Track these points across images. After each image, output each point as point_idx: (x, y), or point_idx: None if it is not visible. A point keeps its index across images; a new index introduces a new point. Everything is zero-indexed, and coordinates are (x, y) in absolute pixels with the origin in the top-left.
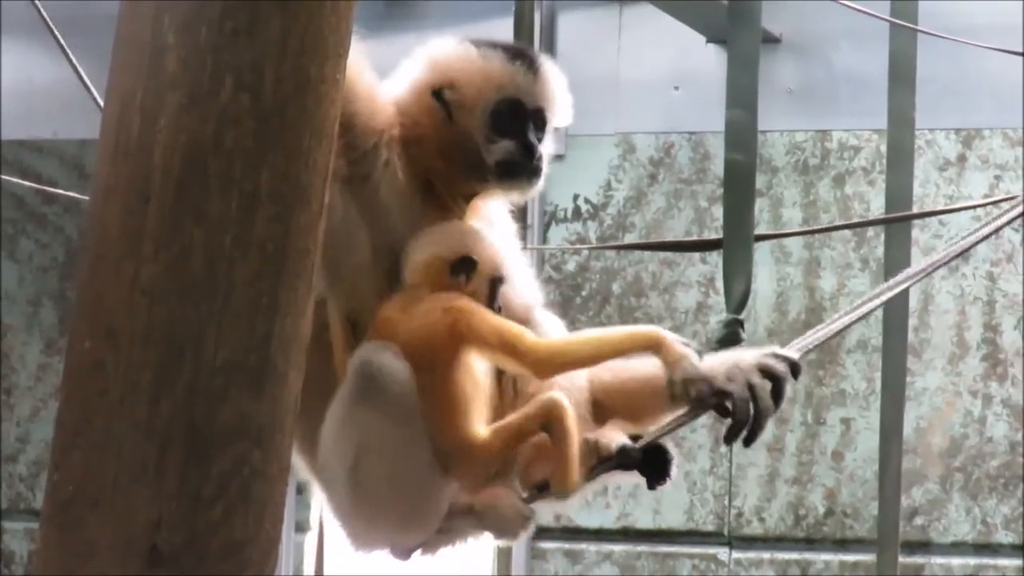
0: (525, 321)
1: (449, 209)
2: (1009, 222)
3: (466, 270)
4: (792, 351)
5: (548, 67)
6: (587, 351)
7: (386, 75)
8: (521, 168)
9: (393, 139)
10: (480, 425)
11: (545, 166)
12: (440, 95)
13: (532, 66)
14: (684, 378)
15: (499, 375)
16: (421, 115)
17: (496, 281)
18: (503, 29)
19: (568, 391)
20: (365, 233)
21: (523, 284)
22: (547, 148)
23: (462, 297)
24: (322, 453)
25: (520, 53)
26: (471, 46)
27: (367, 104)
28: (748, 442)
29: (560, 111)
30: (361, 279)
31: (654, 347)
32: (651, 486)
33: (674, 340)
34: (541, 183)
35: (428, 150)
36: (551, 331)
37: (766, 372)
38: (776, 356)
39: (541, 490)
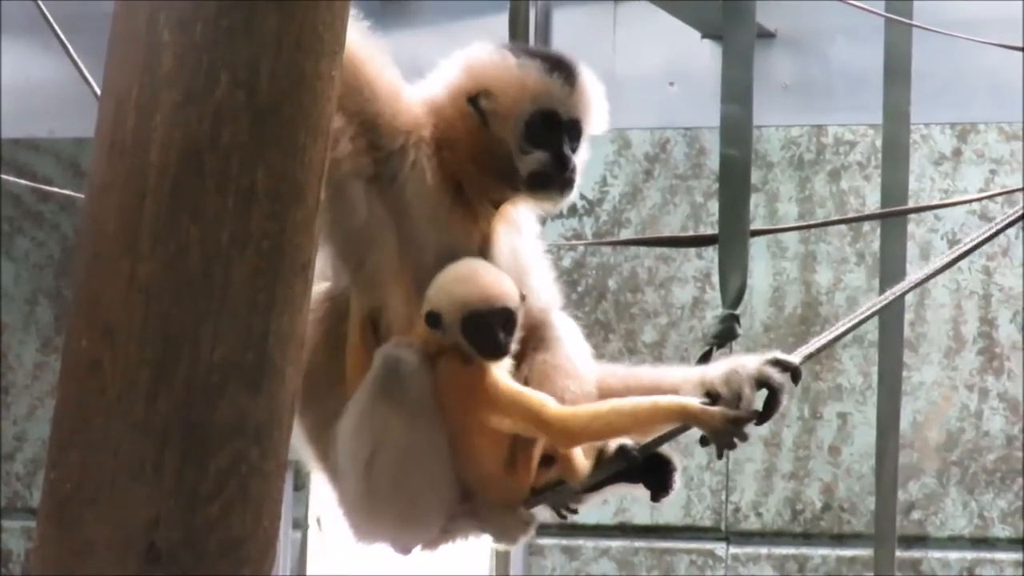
0: (542, 324)
1: (477, 212)
2: (1012, 223)
3: (435, 324)
4: (795, 356)
5: (586, 77)
6: (614, 426)
7: None
8: (553, 180)
9: (422, 140)
10: (498, 460)
11: (578, 177)
12: (475, 101)
13: (569, 77)
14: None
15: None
16: (455, 119)
17: (473, 318)
18: (498, 26)
19: (577, 398)
20: (391, 232)
21: (541, 286)
22: (581, 158)
23: (480, 366)
24: (338, 444)
25: (558, 63)
26: (509, 53)
27: (389, 103)
28: (720, 453)
29: (596, 120)
30: (385, 277)
31: (685, 419)
32: (654, 498)
33: (699, 405)
34: (574, 193)
35: (460, 154)
36: (567, 335)
37: (764, 382)
38: (777, 363)
39: (542, 493)
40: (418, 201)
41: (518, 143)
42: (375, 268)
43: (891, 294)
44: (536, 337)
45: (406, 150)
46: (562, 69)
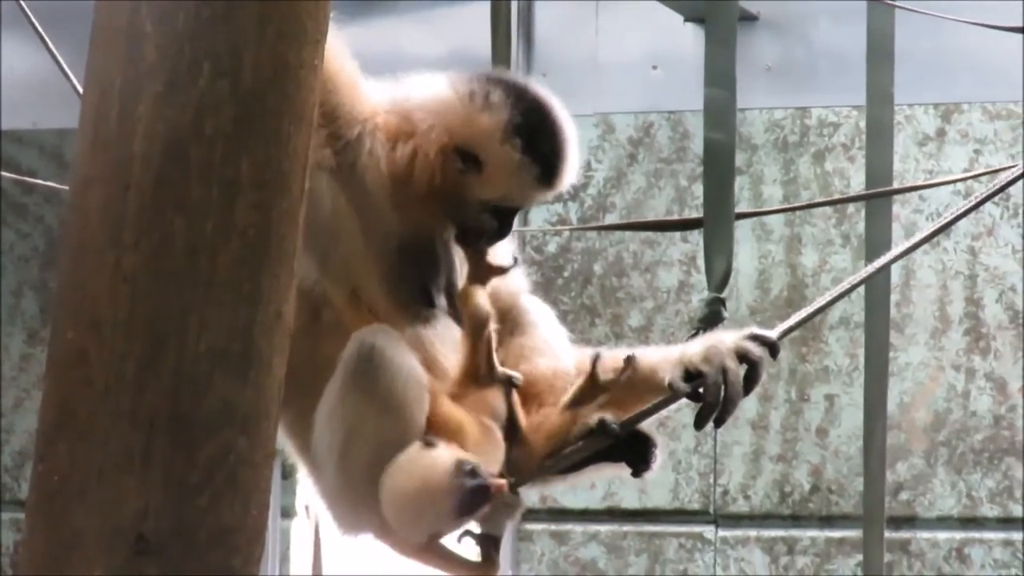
0: (513, 308)
1: (435, 200)
2: (994, 194)
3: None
4: (773, 331)
5: (569, 174)
6: None
7: (363, 62)
8: (488, 239)
9: (377, 128)
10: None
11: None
12: (462, 153)
13: (554, 180)
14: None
15: (471, 350)
16: (429, 148)
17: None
18: (479, 15)
19: (556, 377)
20: (355, 221)
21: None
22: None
23: None
24: (314, 434)
25: (554, 167)
26: (517, 142)
27: (349, 94)
28: (718, 424)
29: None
30: (353, 264)
31: None
32: (635, 474)
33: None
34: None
35: (414, 168)
36: (541, 318)
37: (743, 356)
38: (755, 338)
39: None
40: (377, 187)
41: (477, 206)
42: (342, 257)
43: (872, 268)
44: (510, 321)
45: (362, 138)
46: (553, 174)
